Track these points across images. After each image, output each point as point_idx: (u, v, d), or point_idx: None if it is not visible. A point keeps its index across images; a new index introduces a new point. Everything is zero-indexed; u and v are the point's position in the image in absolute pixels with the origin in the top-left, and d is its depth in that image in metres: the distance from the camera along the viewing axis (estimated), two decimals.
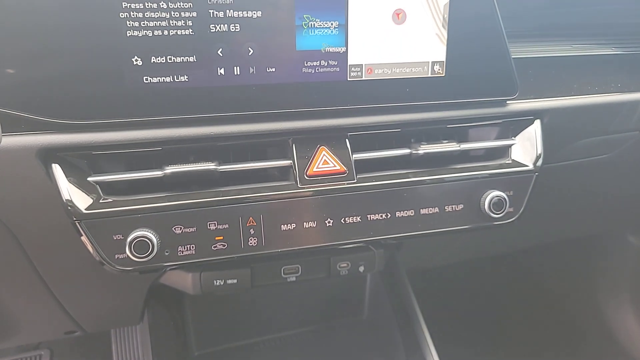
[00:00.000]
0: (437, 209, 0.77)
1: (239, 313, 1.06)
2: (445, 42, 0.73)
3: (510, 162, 0.81)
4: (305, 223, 0.72)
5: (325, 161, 0.73)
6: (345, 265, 0.90)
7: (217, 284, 0.85)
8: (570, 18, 0.96)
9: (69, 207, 0.64)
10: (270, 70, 0.68)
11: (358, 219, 0.73)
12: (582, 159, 0.95)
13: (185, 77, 0.66)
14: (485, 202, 0.76)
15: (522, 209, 0.80)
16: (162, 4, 0.62)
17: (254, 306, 1.07)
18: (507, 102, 0.80)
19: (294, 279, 0.88)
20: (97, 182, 0.67)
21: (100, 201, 0.66)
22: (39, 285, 0.82)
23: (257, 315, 1.07)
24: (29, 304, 0.91)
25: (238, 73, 0.67)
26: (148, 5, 0.62)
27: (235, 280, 0.85)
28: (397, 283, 1.03)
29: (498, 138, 0.83)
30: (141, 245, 0.64)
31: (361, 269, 0.91)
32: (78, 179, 0.66)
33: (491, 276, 1.41)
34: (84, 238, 0.65)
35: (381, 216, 0.74)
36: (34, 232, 0.71)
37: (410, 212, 0.75)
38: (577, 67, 0.95)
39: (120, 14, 0.61)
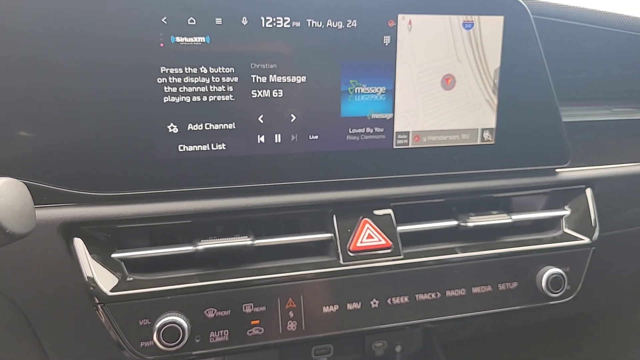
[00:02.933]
0: (490, 287, 0.70)
1: None
2: (496, 108, 0.69)
3: (562, 234, 0.76)
4: (349, 304, 0.65)
5: (369, 235, 0.67)
6: (380, 344, 0.82)
7: None
8: (609, 82, 0.93)
9: (91, 288, 0.57)
10: (313, 137, 0.64)
11: (406, 299, 0.67)
12: (631, 227, 0.89)
13: (223, 145, 0.61)
14: (542, 280, 0.69)
15: (579, 286, 0.73)
16: (203, 69, 0.58)
17: None
18: (558, 170, 0.75)
19: None
20: (122, 259, 0.61)
21: (127, 280, 0.59)
22: None
23: None
24: None
25: (279, 141, 0.63)
26: (188, 70, 0.58)
27: None
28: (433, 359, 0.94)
29: (546, 208, 0.78)
30: (171, 332, 0.57)
31: (398, 348, 0.83)
32: (102, 255, 0.60)
33: (530, 344, 1.32)
34: (105, 323, 0.58)
35: (431, 296, 0.67)
36: (47, 314, 0.63)
37: (462, 292, 0.69)
38: (621, 132, 0.91)
39: (158, 79, 0.57)
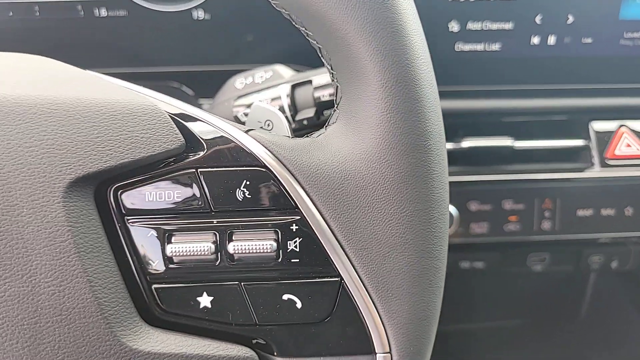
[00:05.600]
0: None
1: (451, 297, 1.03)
2: None
3: None
4: (603, 210, 0.66)
5: (627, 144, 0.66)
6: (597, 259, 0.83)
7: (462, 266, 0.82)
8: None
9: None
10: (586, 41, 0.62)
11: None
12: None
13: (498, 45, 0.62)
14: None
15: None
16: None
17: (465, 290, 1.03)
18: None
19: (539, 268, 0.83)
20: None
21: None
22: None
23: (465, 302, 1.02)
24: None
25: (552, 43, 0.62)
26: None
27: (482, 264, 0.81)
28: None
29: None
30: None
31: (614, 264, 0.83)
32: None
33: None
34: None
35: None
36: None
37: None
38: None
39: None
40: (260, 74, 0.47)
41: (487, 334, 1.02)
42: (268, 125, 0.36)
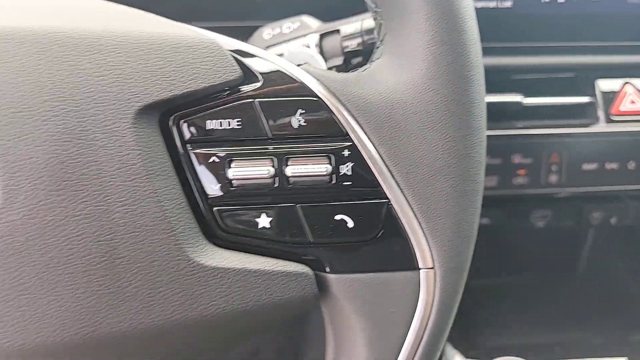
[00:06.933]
0: None
1: None
2: None
3: None
4: (607, 164, 0.69)
5: (631, 100, 0.69)
6: (598, 215, 0.86)
7: None
8: None
9: None
10: None
11: None
12: None
13: (510, 2, 0.64)
14: None
15: None
16: None
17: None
18: None
19: (541, 224, 0.86)
20: None
21: None
22: None
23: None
24: None
25: (562, 0, 0.64)
26: None
27: (487, 220, 0.84)
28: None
29: None
30: None
31: (613, 220, 0.87)
32: None
33: None
34: None
35: None
36: None
37: None
38: None
39: None
40: (288, 25, 0.49)
41: (490, 289, 1.06)
42: None
